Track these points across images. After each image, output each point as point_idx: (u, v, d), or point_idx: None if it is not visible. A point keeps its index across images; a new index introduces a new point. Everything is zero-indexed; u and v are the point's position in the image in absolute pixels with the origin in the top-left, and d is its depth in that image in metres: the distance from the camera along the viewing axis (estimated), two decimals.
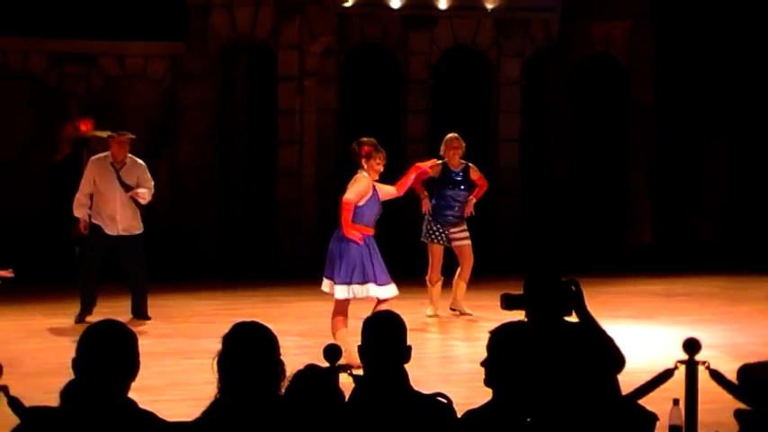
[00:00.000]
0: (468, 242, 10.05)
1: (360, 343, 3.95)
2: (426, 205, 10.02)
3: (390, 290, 7.99)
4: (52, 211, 12.57)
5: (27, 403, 3.85)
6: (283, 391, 3.45)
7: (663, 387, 4.99)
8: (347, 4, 13.53)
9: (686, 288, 11.94)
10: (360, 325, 4.05)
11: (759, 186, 14.51)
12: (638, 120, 14.54)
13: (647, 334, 9.15)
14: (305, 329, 9.16)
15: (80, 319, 9.51)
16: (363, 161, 8.02)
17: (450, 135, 10.15)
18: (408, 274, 9.89)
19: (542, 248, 13.49)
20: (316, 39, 13.49)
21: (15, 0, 12.92)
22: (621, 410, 4.45)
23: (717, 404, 4.93)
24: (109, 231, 9.57)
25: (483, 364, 3.81)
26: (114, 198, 9.57)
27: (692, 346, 5.00)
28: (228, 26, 13.58)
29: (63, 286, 10.58)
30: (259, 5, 13.46)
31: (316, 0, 13.35)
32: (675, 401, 4.92)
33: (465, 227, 10.07)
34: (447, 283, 10.10)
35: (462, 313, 10.04)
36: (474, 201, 10.06)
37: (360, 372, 4.00)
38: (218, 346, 3.49)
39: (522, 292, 4.57)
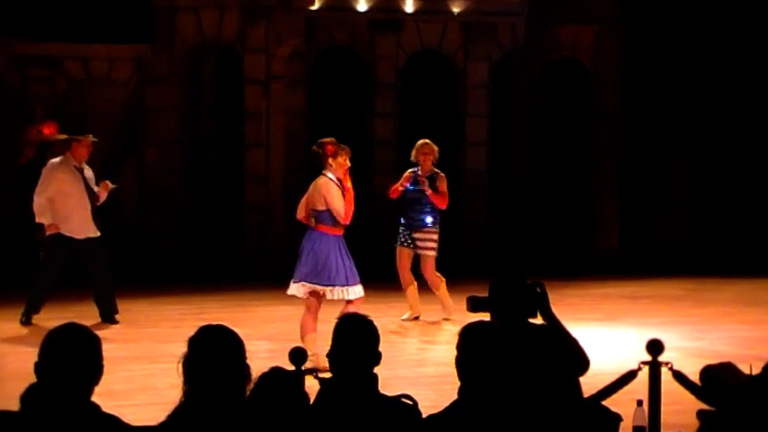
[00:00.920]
0: (431, 253, 9.83)
1: (330, 346, 3.93)
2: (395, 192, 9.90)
3: (358, 291, 7.99)
4: (16, 215, 12.46)
5: None
6: (248, 393, 3.45)
7: (627, 388, 5.02)
8: (313, 8, 13.53)
9: (652, 291, 12.03)
10: (330, 329, 4.04)
11: (724, 189, 14.65)
12: (604, 123, 14.64)
13: (612, 336, 9.21)
14: (272, 333, 9.14)
15: (26, 319, 9.53)
16: (330, 160, 8.01)
17: (421, 141, 10.10)
18: (380, 275, 9.89)
19: (510, 251, 13.55)
20: (282, 42, 13.48)
21: None
22: (585, 411, 4.48)
23: (680, 405, 4.98)
24: (76, 236, 9.53)
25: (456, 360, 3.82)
26: (81, 202, 9.54)
27: (655, 347, 5.03)
28: (195, 29, 13.54)
29: (26, 291, 10.47)
30: (225, 8, 13.43)
31: (282, 3, 13.34)
32: (639, 402, 4.95)
33: (433, 236, 9.88)
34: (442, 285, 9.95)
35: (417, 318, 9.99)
36: (429, 192, 9.82)
37: (326, 375, 3.99)
38: (185, 350, 3.48)
39: (487, 295, 4.59)
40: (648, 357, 5.03)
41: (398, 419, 3.77)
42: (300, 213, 8.18)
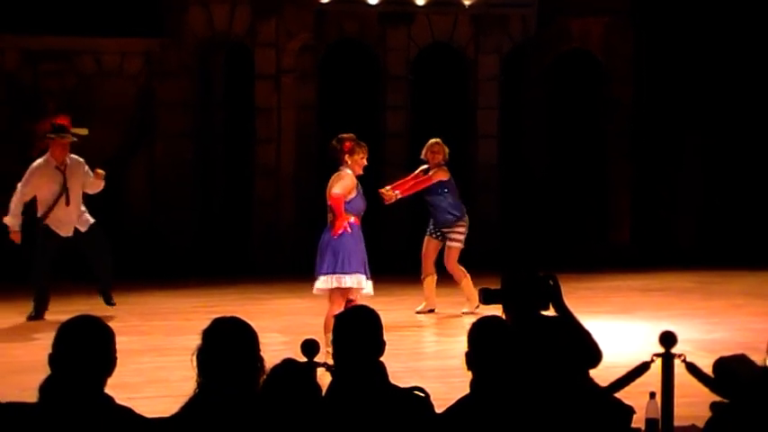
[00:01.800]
0: (455, 245, 9.79)
1: (332, 337, 3.92)
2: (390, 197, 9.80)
3: (370, 285, 7.99)
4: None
5: (2, 400, 3.82)
6: (261, 385, 3.45)
7: (640, 380, 5.02)
8: (324, 1, 13.51)
9: (662, 283, 12.00)
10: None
11: (735, 184, 14.59)
12: (615, 116, 14.59)
13: (625, 329, 9.19)
14: (284, 326, 9.14)
15: (35, 316, 9.58)
16: (347, 157, 7.97)
17: (431, 140, 10.08)
18: (391, 270, 9.85)
19: (522, 244, 13.52)
20: (293, 36, 13.47)
21: None
22: (598, 404, 4.47)
23: (693, 397, 4.96)
24: (62, 234, 9.63)
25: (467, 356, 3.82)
26: (62, 201, 9.60)
27: (668, 339, 5.02)
28: (205, 23, 13.54)
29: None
30: (236, 3, 13.42)
31: None
32: (652, 395, 4.94)
33: (459, 229, 9.83)
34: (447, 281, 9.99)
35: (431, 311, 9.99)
36: (397, 192, 9.65)
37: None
38: (197, 343, 3.48)
39: (500, 287, 4.59)
40: (661, 349, 5.02)
41: (411, 411, 3.77)
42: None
